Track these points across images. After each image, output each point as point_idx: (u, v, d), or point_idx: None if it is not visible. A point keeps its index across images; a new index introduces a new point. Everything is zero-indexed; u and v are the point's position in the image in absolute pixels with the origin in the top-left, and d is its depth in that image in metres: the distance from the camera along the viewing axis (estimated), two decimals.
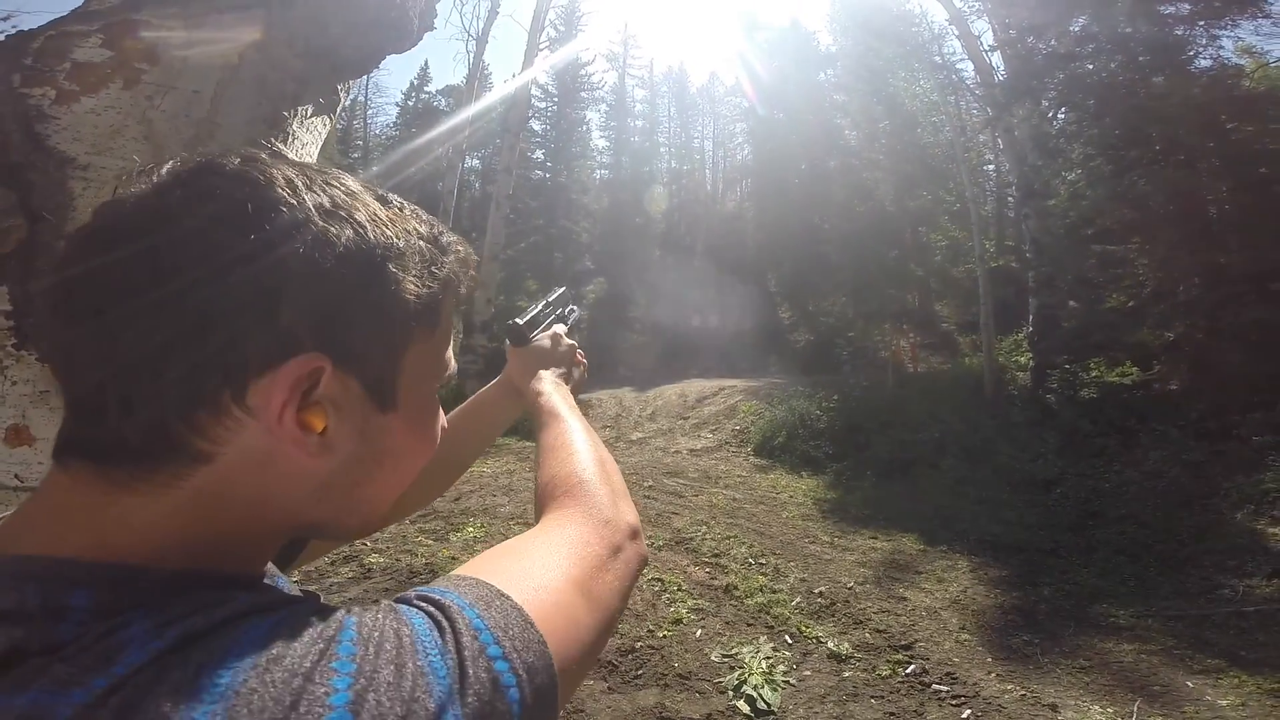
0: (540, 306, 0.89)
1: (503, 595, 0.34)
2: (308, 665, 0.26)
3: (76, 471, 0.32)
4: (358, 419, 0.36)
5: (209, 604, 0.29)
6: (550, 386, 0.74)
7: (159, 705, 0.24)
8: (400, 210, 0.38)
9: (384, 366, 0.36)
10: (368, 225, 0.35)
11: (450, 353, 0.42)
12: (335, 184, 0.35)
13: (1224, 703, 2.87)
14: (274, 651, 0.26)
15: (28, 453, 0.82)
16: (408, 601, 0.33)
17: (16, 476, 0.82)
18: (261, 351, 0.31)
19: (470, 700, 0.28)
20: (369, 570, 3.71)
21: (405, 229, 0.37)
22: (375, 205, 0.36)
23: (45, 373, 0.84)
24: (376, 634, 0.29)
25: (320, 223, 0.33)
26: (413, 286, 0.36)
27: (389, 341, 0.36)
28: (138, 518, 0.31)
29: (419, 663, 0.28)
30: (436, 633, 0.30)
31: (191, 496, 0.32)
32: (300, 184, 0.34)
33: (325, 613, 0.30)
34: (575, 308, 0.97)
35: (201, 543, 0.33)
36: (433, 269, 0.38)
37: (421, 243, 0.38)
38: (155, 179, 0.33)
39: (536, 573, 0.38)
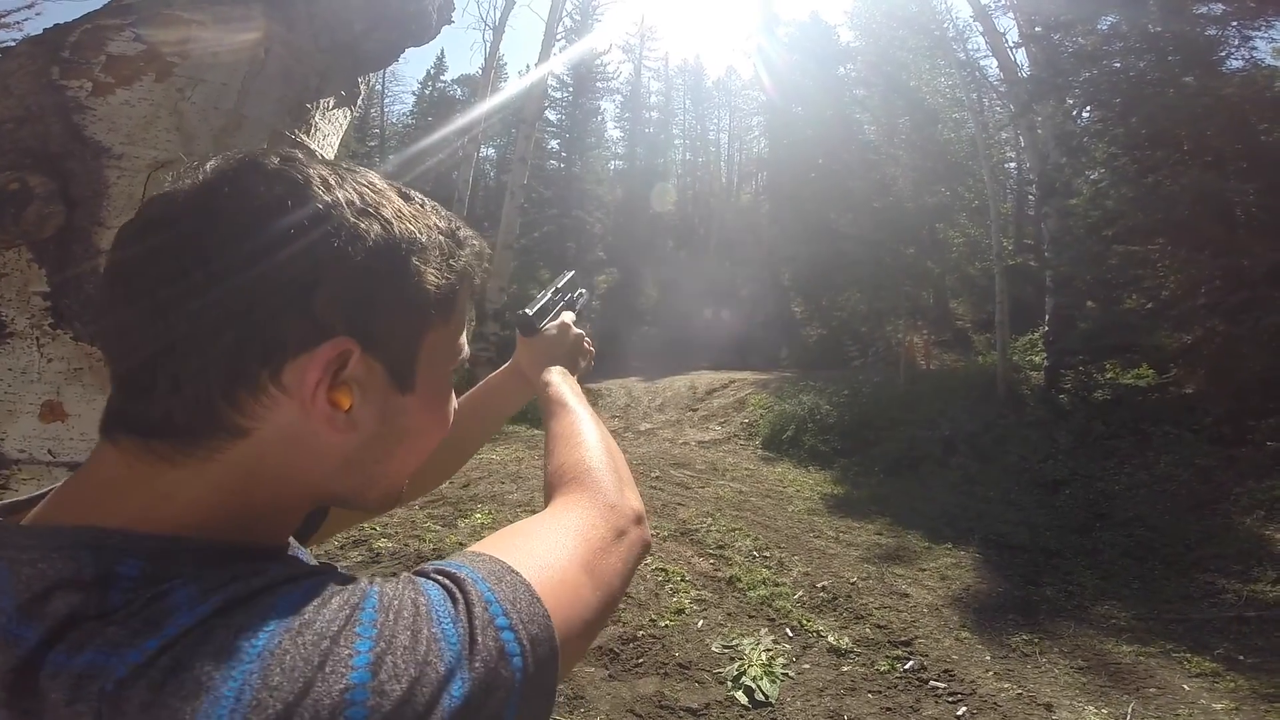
0: (549, 294, 0.90)
1: (513, 571, 0.36)
2: (334, 629, 0.29)
3: (125, 446, 0.34)
4: (380, 399, 0.38)
5: (245, 573, 0.31)
6: (558, 377, 0.76)
7: (204, 664, 0.26)
8: (421, 206, 0.40)
9: (405, 351, 0.39)
10: (393, 221, 0.37)
11: (464, 339, 0.45)
12: (363, 182, 0.38)
13: (1218, 706, 2.87)
14: (305, 617, 0.29)
15: (60, 428, 0.87)
16: (425, 575, 0.35)
17: (49, 451, 0.86)
18: (298, 334, 0.34)
19: (478, 665, 0.30)
20: (378, 555, 3.77)
21: (426, 224, 0.39)
22: (399, 201, 0.39)
23: (79, 351, 0.88)
24: (396, 602, 0.31)
25: (352, 219, 0.35)
26: (433, 278, 0.39)
27: (410, 328, 0.39)
28: (180, 491, 0.34)
29: (433, 630, 0.30)
30: (450, 603, 0.32)
31: (228, 470, 0.35)
32: (333, 182, 0.36)
33: (349, 582, 0.33)
34: (584, 290, 0.98)
35: (235, 515, 0.36)
36: (450, 261, 0.40)
37: (440, 237, 0.40)
38: (201, 176, 0.35)
39: (544, 552, 0.40)
